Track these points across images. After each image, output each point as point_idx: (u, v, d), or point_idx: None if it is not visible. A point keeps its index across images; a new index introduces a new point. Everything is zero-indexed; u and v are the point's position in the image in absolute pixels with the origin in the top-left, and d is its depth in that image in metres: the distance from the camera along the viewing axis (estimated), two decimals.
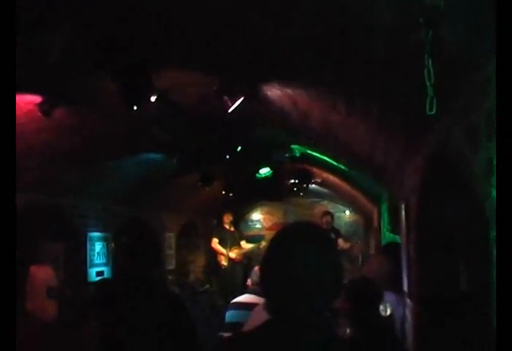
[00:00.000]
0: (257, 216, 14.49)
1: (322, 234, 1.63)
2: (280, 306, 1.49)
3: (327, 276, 1.48)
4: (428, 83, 1.66)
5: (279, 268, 1.50)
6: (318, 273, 1.47)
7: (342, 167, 6.94)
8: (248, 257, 11.20)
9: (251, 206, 14.10)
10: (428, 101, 1.68)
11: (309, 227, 1.64)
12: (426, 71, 1.68)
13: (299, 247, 1.51)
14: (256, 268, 4.92)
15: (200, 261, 12.17)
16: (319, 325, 1.48)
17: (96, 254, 7.55)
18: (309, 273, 1.47)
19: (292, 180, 9.43)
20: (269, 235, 13.24)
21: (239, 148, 6.63)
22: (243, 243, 11.12)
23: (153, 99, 3.85)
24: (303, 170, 8.79)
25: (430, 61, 1.67)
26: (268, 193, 10.90)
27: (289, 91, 4.12)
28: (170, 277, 9.98)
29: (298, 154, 7.43)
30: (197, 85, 4.38)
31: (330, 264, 1.51)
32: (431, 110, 1.69)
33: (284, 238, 1.58)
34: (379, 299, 3.38)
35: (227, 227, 10.93)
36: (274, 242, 1.59)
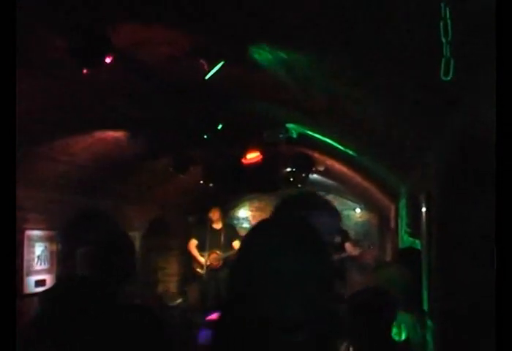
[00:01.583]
0: (244, 212, 14.65)
1: (308, 230, 1.65)
2: (247, 314, 1.54)
3: (311, 279, 1.53)
4: (443, 40, 1.60)
5: (253, 271, 1.55)
6: (294, 276, 1.52)
7: (351, 152, 6.97)
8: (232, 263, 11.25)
9: (236, 200, 14.18)
10: (443, 63, 1.63)
11: (291, 221, 1.68)
12: (441, 24, 1.61)
13: (277, 245, 1.55)
14: None
15: (171, 268, 12.24)
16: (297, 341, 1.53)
17: (36, 259, 7.54)
18: (283, 276, 1.51)
19: (289, 168, 9.45)
20: None
21: (220, 125, 6.63)
22: (235, 244, 11.07)
23: (108, 60, 3.85)
24: (302, 156, 8.79)
25: (448, 11, 1.61)
26: (257, 184, 10.88)
27: (283, 54, 4.13)
28: (131, 288, 10.01)
29: (295, 135, 7.45)
30: (167, 43, 4.36)
31: (318, 265, 1.55)
32: (446, 74, 1.64)
33: (258, 235, 1.63)
34: (393, 318, 3.41)
35: (214, 225, 11.06)
36: (247, 239, 1.64)
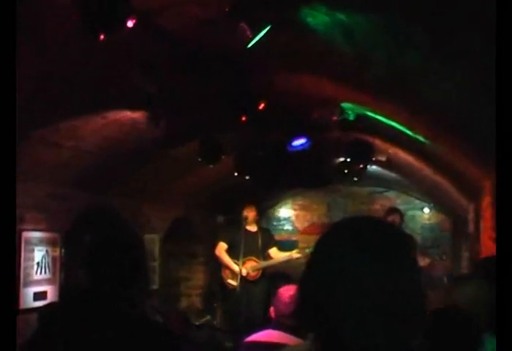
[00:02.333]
0: (286, 211, 14.76)
1: (396, 237, 1.64)
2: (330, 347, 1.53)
3: (402, 301, 1.52)
4: None
5: (328, 289, 1.54)
6: (388, 297, 1.51)
7: (421, 137, 6.95)
8: (271, 274, 11.25)
9: (277, 197, 14.24)
10: None
11: (376, 225, 1.66)
12: None
13: (360, 256, 1.54)
14: (284, 290, 4.95)
15: (196, 278, 12.34)
16: None
17: (35, 266, 7.60)
18: (375, 296, 1.51)
19: (343, 158, 9.48)
20: (304, 241, 13.51)
21: (261, 105, 6.66)
22: (273, 251, 11.12)
23: (130, 24, 3.89)
24: (360, 142, 8.72)
25: None
26: (304, 176, 10.87)
27: (342, 17, 4.13)
28: (150, 302, 10.12)
29: (352, 117, 7.45)
30: (199, 3, 4.38)
31: (409, 283, 1.54)
32: None
33: (336, 242, 1.61)
34: (478, 344, 3.37)
35: (249, 227, 10.97)
36: (320, 248, 1.63)
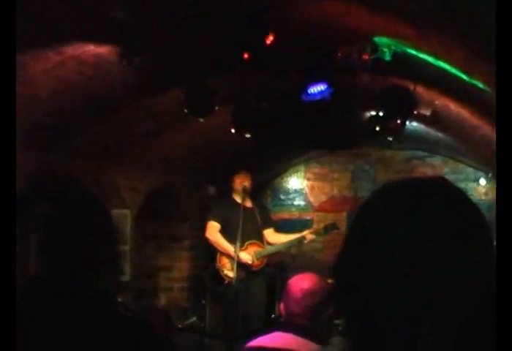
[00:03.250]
0: (297, 182, 14.85)
1: (472, 206, 1.66)
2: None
3: (472, 286, 1.55)
4: None
5: (375, 272, 1.58)
6: (456, 283, 1.54)
7: (479, 84, 6.88)
8: (278, 263, 11.31)
9: (287, 163, 14.33)
10: None
11: (443, 188, 1.69)
12: None
13: (419, 228, 1.56)
14: (295, 282, 4.99)
15: (180, 268, 12.45)
16: None
17: None
18: (439, 280, 1.53)
19: (373, 112, 9.53)
20: (320, 219, 13.58)
21: (269, 39, 6.60)
22: (269, 232, 11.22)
23: None
24: (397, 91, 8.66)
25: None
26: (322, 136, 10.87)
27: None
28: (119, 298, 10.14)
29: (388, 56, 7.40)
30: None
31: (484, 268, 1.58)
32: None
33: (386, 210, 1.65)
34: None
35: (238, 199, 11.01)
36: (364, 218, 1.68)
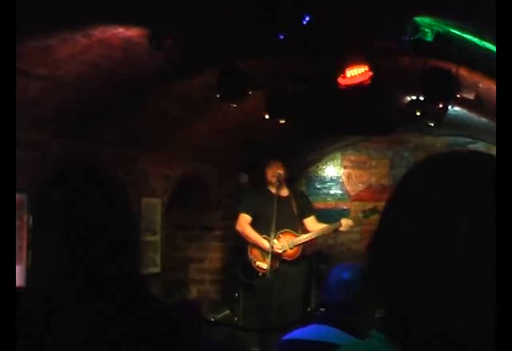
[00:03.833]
0: (334, 170, 14.85)
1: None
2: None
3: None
4: None
5: (412, 255, 1.54)
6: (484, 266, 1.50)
7: None
8: (314, 254, 11.25)
9: (322, 150, 14.36)
10: None
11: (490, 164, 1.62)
12: None
13: (463, 205, 1.53)
14: (337, 272, 5.01)
15: (211, 259, 12.47)
16: None
17: None
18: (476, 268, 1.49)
19: (414, 95, 9.42)
20: (358, 209, 13.58)
21: (306, 19, 6.47)
22: (309, 220, 11.18)
23: None
24: (440, 74, 8.61)
25: None
26: (359, 121, 10.81)
27: None
28: (150, 290, 10.11)
29: (430, 37, 7.26)
30: None
31: None
32: None
33: (428, 184, 1.62)
34: None
35: (272, 190, 11.00)
36: (401, 195, 1.69)
